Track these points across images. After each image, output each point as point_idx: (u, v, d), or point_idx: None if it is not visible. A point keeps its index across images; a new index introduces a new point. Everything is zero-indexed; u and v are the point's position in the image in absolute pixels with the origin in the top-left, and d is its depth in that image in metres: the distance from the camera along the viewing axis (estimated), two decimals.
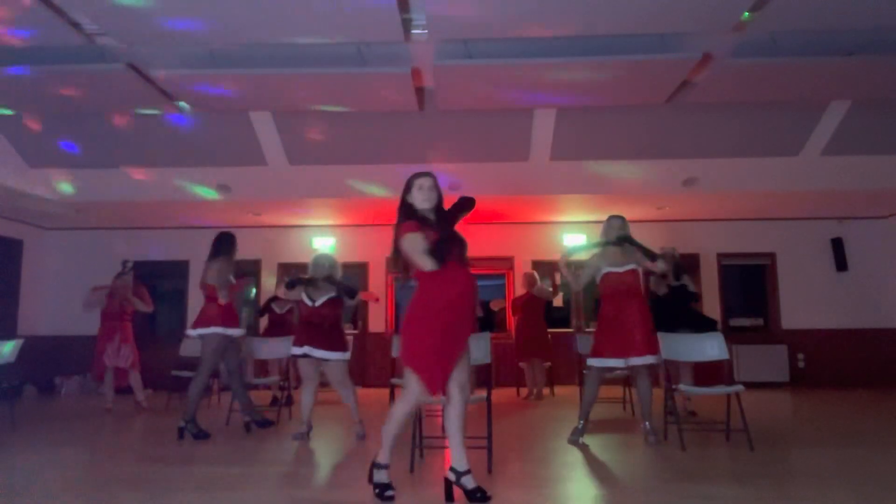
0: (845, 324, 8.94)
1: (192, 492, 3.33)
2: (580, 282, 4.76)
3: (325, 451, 4.54)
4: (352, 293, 4.93)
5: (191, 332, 5.26)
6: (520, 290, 8.17)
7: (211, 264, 5.26)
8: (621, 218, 4.73)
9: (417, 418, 3.86)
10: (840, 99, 6.56)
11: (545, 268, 9.44)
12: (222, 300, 5.19)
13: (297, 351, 4.84)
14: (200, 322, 5.20)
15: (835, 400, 7.28)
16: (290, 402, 6.24)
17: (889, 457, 4.07)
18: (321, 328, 4.85)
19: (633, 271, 4.59)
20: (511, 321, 9.07)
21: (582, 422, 4.59)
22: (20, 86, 5.74)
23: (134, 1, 4.36)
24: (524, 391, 7.84)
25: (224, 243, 5.30)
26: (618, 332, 4.47)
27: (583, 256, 4.97)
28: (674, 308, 5.80)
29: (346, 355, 4.88)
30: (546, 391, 7.86)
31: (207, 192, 7.65)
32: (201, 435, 4.87)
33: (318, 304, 4.88)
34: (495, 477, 3.51)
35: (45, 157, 7.35)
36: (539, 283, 7.82)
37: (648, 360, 4.43)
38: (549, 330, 7.86)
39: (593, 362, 4.57)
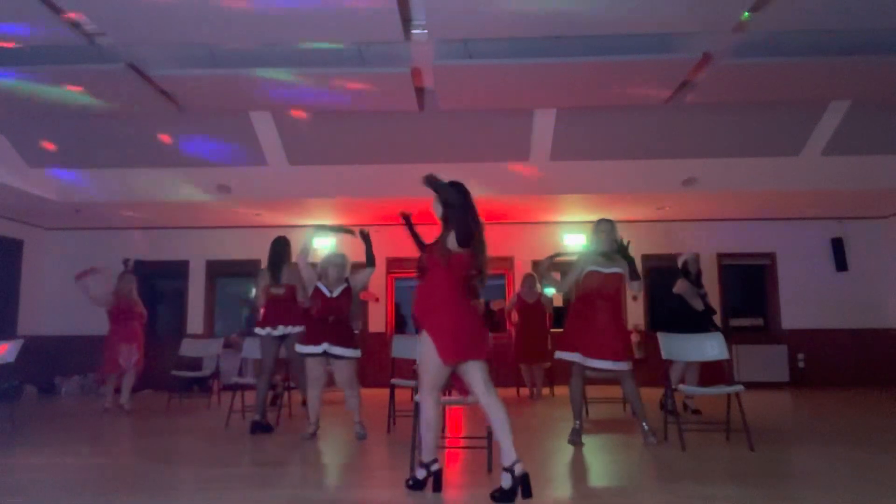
0: (845, 324, 8.94)
1: (193, 492, 3.33)
2: (566, 283, 4.72)
3: (326, 451, 4.54)
4: (373, 260, 5.10)
5: (281, 330, 5.28)
6: (518, 289, 8.15)
7: (287, 267, 5.40)
8: (610, 222, 4.71)
9: (418, 418, 3.87)
10: (840, 99, 6.56)
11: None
12: (301, 298, 5.34)
13: (315, 349, 4.81)
14: (291, 321, 5.28)
15: (835, 400, 7.28)
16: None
17: (889, 457, 4.06)
18: (335, 325, 4.88)
19: (618, 275, 4.57)
20: (510, 321, 9.08)
21: (578, 422, 4.58)
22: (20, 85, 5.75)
23: None
24: (524, 391, 7.85)
25: (288, 247, 5.54)
26: (588, 330, 4.46)
27: (568, 258, 4.93)
28: (702, 319, 5.85)
29: (358, 353, 4.96)
30: (546, 391, 7.87)
31: None
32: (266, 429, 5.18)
33: (335, 294, 4.93)
34: (495, 477, 3.49)
35: (45, 157, 7.35)
36: (539, 287, 7.79)
37: (620, 366, 4.42)
38: (550, 330, 7.90)
39: (560, 355, 4.57)
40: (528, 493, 2.86)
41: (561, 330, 4.93)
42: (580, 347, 4.47)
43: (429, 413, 3.14)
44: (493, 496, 2.92)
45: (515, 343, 7.83)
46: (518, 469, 2.88)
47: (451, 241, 3.10)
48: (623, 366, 4.44)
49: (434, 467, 3.16)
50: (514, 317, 7.88)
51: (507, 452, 2.93)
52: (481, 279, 3.20)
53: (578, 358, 4.48)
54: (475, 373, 3.10)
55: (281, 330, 5.27)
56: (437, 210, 3.20)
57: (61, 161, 7.42)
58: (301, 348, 4.88)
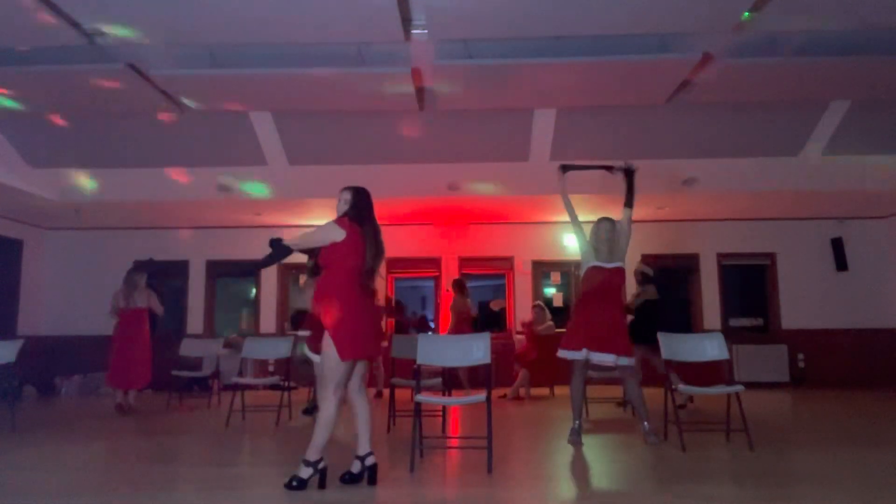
0: (845, 324, 8.93)
1: (193, 492, 3.33)
2: (573, 214, 4.96)
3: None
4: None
5: None
6: (528, 315, 8.32)
7: None
8: (610, 221, 4.75)
9: (418, 418, 3.87)
10: (840, 99, 6.56)
11: (545, 267, 9.48)
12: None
13: None
14: None
15: (835, 400, 7.28)
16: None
17: (889, 457, 4.06)
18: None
19: (620, 270, 4.60)
20: (511, 318, 9.10)
21: (577, 422, 4.58)
22: (20, 85, 5.74)
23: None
24: (522, 391, 7.86)
25: None
26: (593, 325, 4.48)
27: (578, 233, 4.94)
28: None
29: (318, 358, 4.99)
30: (546, 391, 7.89)
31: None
32: None
33: None
34: (495, 477, 3.51)
35: (45, 157, 7.34)
36: (548, 321, 7.98)
37: (623, 361, 4.46)
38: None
39: (564, 354, 4.56)
40: (373, 481, 3.29)
41: (560, 330, 4.95)
42: (586, 343, 4.46)
43: (330, 412, 3.19)
44: (342, 478, 3.28)
45: (525, 353, 7.92)
46: (369, 460, 3.31)
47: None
48: (625, 361, 4.45)
49: (321, 465, 3.25)
50: (524, 344, 8.04)
51: (363, 444, 3.31)
52: (369, 275, 3.41)
53: (583, 355, 4.47)
54: (358, 370, 3.34)
55: None
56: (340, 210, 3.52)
57: (61, 161, 7.41)
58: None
